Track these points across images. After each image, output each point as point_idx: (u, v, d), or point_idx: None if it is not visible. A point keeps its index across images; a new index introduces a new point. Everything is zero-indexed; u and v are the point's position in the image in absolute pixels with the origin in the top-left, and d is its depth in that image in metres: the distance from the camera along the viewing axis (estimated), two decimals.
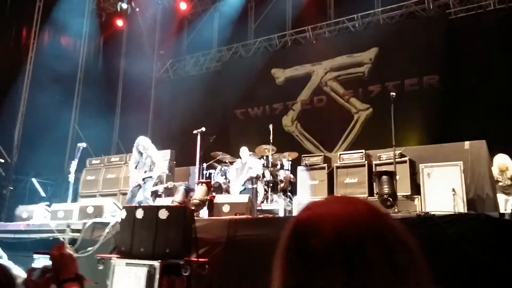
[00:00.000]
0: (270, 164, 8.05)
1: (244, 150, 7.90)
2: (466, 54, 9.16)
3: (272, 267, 0.69)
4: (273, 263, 0.70)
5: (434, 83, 9.71)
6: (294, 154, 8.40)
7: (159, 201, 7.05)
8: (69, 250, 1.63)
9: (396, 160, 6.04)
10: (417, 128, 8.92)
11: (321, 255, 0.61)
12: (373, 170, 6.78)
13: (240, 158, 7.95)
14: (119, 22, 13.03)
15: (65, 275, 1.49)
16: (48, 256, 1.57)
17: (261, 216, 6.61)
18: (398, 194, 5.55)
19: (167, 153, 8.69)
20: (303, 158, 8.01)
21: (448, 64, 9.40)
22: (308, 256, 0.63)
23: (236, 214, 5.76)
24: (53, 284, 1.53)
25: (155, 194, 7.68)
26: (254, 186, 7.60)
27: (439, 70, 9.61)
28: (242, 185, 7.58)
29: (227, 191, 7.74)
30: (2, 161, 8.56)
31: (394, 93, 6.20)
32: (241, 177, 7.68)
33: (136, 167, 7.19)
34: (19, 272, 1.99)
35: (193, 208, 5.60)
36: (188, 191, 6.40)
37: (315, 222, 0.66)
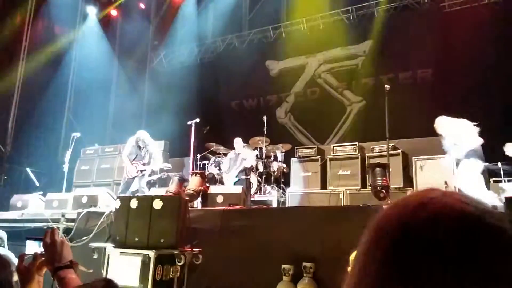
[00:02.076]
0: (263, 156, 8.10)
1: (238, 141, 7.92)
2: (460, 48, 9.20)
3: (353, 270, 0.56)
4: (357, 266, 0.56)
5: (428, 77, 9.77)
6: (288, 146, 8.46)
7: (154, 191, 7.10)
8: (61, 236, 1.65)
9: (389, 152, 6.11)
10: (411, 121, 8.98)
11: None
12: (366, 162, 6.86)
13: (234, 149, 7.96)
14: (113, 12, 12.94)
15: (60, 262, 1.50)
16: (41, 242, 1.59)
17: (254, 206, 6.68)
18: (390, 186, 5.62)
19: (161, 144, 8.71)
20: (297, 150, 8.08)
21: (442, 57, 9.45)
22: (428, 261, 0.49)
23: (229, 205, 5.82)
24: (45, 269, 1.55)
25: (149, 184, 7.72)
26: (248, 177, 7.63)
27: (433, 63, 9.66)
28: (236, 176, 7.60)
29: (221, 182, 7.79)
30: None
31: (388, 86, 6.25)
32: (235, 168, 7.70)
33: (134, 159, 7.24)
34: (14, 260, 2.02)
35: (187, 198, 5.64)
36: (182, 181, 6.44)
37: (439, 222, 0.52)
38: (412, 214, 0.53)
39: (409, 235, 0.52)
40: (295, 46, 11.65)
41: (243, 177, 7.60)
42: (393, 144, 6.66)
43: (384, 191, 5.24)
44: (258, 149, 8.24)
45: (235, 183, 7.41)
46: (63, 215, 5.96)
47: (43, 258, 1.54)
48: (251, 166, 7.68)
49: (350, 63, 10.84)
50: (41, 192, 7.79)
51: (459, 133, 5.81)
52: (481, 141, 5.67)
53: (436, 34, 9.68)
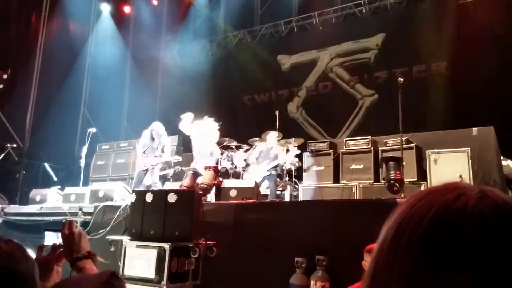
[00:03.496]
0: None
1: (272, 135, 7.64)
2: (475, 40, 9.05)
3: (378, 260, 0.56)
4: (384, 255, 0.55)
5: (442, 70, 9.66)
6: (300, 140, 8.46)
7: (168, 186, 7.19)
8: (79, 229, 1.69)
9: (403, 146, 6.07)
10: (424, 114, 8.91)
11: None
12: (380, 156, 6.83)
13: (265, 142, 7.65)
14: (126, 9, 13.06)
15: (78, 253, 1.53)
16: (59, 233, 1.64)
17: (267, 200, 6.73)
18: (404, 180, 5.59)
19: (174, 139, 8.80)
20: (309, 144, 8.07)
21: (457, 50, 9.32)
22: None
23: (243, 199, 5.88)
24: (64, 260, 1.59)
25: (163, 179, 7.82)
26: (277, 172, 7.51)
27: (448, 56, 9.53)
28: (268, 170, 7.35)
29: (234, 176, 7.84)
30: (14, 145, 8.73)
31: (402, 79, 6.20)
32: (267, 162, 7.41)
33: (144, 152, 7.30)
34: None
35: (201, 192, 5.71)
36: (196, 176, 6.52)
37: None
38: (442, 209, 0.53)
39: (438, 230, 0.52)
40: (307, 40, 11.62)
41: (274, 172, 7.40)
42: (406, 137, 6.61)
43: (397, 184, 5.23)
44: None
45: (264, 178, 7.26)
46: (80, 209, 6.10)
47: (62, 249, 1.58)
48: (284, 162, 7.49)
49: (362, 57, 10.77)
50: (59, 187, 7.98)
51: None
52: None
53: (451, 26, 9.53)
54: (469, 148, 6.02)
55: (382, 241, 0.57)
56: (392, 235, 0.55)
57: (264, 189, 7.25)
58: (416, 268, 0.51)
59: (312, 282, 4.37)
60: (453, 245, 0.50)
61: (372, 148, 7.13)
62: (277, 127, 8.16)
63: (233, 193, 6.11)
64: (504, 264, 0.48)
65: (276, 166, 7.41)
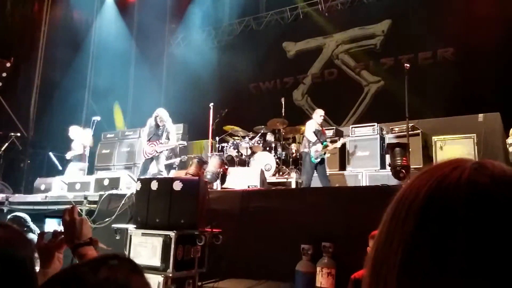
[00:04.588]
0: (282, 138, 8.08)
1: (320, 113, 7.27)
2: (482, 26, 8.90)
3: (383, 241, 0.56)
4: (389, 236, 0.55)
5: (449, 56, 9.53)
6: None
7: (173, 174, 7.18)
8: (81, 216, 1.66)
9: (409, 132, 6.02)
10: (430, 101, 8.81)
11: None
12: (385, 142, 6.79)
13: (315, 119, 7.26)
14: None
15: (80, 239, 1.50)
16: (60, 220, 1.62)
17: (273, 188, 6.71)
18: (410, 166, 5.55)
19: (180, 127, 8.78)
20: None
21: (463, 36, 9.18)
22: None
23: (248, 186, 5.86)
24: (65, 246, 1.56)
25: (169, 167, 7.81)
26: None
27: (454, 42, 9.40)
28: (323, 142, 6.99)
29: (240, 164, 7.81)
30: (18, 134, 8.73)
31: (408, 65, 6.12)
32: (323, 138, 7.10)
33: (149, 139, 7.27)
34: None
35: (206, 180, 5.69)
36: (202, 163, 6.49)
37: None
38: (438, 182, 0.54)
39: (434, 200, 0.53)
40: (313, 27, 11.50)
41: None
42: (412, 124, 6.55)
43: (404, 171, 5.19)
44: (276, 131, 8.21)
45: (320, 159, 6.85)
46: (85, 198, 6.09)
47: (63, 236, 1.55)
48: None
49: (368, 43, 10.64)
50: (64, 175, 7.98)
51: None
52: None
53: (458, 11, 9.38)
54: (475, 134, 5.97)
55: (383, 220, 0.58)
56: (392, 210, 0.57)
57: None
58: (413, 238, 0.52)
59: (318, 269, 4.36)
60: (448, 214, 0.51)
61: (378, 134, 7.07)
62: (283, 114, 8.11)
63: (239, 180, 6.08)
64: (497, 229, 0.49)
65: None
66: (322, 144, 6.84)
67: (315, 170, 6.80)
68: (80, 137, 8.03)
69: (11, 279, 0.98)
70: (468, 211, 0.50)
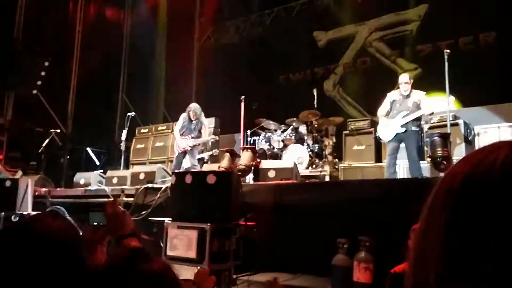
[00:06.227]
0: (314, 130, 7.96)
1: (404, 77, 6.20)
2: None
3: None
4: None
5: (491, 41, 9.07)
6: (339, 119, 8.24)
7: (206, 167, 7.22)
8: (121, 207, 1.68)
9: (450, 122, 5.76)
10: (472, 88, 8.43)
11: None
12: (424, 133, 6.54)
13: (399, 88, 6.23)
14: None
15: (124, 231, 1.53)
16: (102, 213, 1.63)
17: (307, 181, 6.62)
18: (452, 158, 5.33)
19: (211, 121, 8.82)
20: (349, 123, 7.86)
21: (506, 18, 8.70)
22: None
23: (281, 179, 5.80)
24: (108, 238, 1.61)
25: (202, 161, 7.87)
26: (419, 128, 5.91)
27: (497, 25, 8.93)
28: (403, 126, 5.75)
29: (272, 157, 7.76)
30: (58, 131, 9.02)
31: (448, 50, 5.85)
32: (405, 111, 5.84)
33: (182, 134, 7.35)
34: None
35: (239, 173, 5.67)
36: (234, 157, 6.49)
37: None
38: (473, 167, 0.54)
39: (470, 185, 0.53)
40: (345, 14, 11.21)
41: (413, 128, 5.70)
42: (453, 113, 6.27)
43: (444, 162, 4.98)
44: (309, 123, 8.08)
45: (396, 135, 5.83)
46: (122, 191, 6.23)
47: (105, 229, 1.58)
48: (432, 113, 5.83)
49: (404, 29, 10.27)
50: (101, 170, 8.20)
51: None
52: None
53: None
54: None
55: (423, 210, 0.58)
56: (431, 199, 0.57)
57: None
58: (451, 225, 0.52)
59: (355, 263, 4.25)
60: (483, 199, 0.50)
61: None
62: (315, 105, 7.97)
63: (271, 174, 6.04)
64: None
65: (418, 119, 5.79)
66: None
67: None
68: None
69: (65, 265, 1.03)
70: (502, 194, 0.49)
